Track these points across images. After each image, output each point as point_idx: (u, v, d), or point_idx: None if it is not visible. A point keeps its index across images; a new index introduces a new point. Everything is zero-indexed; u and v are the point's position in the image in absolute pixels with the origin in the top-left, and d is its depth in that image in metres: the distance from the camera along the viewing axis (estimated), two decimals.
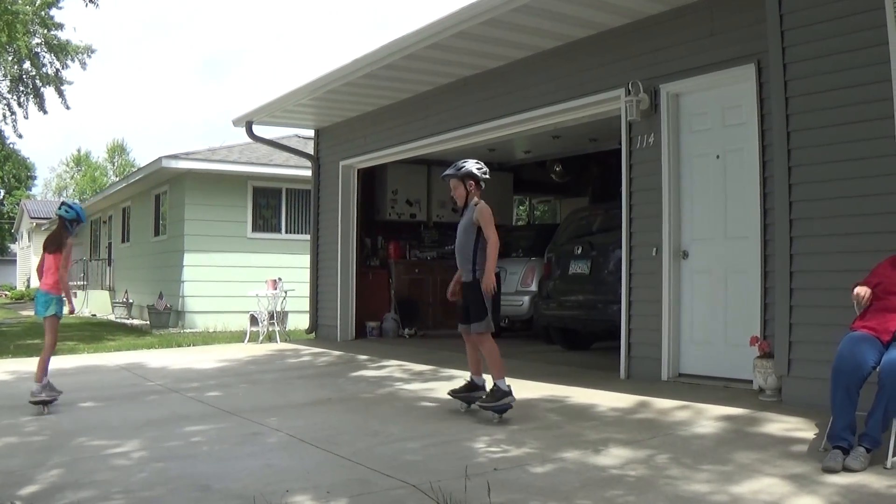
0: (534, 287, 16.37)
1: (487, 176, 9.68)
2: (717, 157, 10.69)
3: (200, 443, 8.55)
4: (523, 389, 10.75)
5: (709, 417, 8.60)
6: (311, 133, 21.27)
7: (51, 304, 10.91)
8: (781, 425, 8.07)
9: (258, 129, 19.61)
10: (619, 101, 11.68)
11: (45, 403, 10.53)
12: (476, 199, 9.59)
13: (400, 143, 17.08)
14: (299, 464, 7.56)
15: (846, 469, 6.27)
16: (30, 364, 14.99)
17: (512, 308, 17.17)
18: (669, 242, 11.03)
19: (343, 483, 6.66)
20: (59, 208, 11.20)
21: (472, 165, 9.59)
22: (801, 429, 7.87)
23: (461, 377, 12.05)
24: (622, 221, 11.71)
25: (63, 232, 11.00)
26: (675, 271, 11.04)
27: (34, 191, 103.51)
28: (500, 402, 8.91)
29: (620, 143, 11.95)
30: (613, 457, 7.18)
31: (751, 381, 9.75)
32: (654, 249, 11.14)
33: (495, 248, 9.19)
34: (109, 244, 36.86)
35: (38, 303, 11.03)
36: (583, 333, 15.45)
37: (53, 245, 10.95)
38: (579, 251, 14.51)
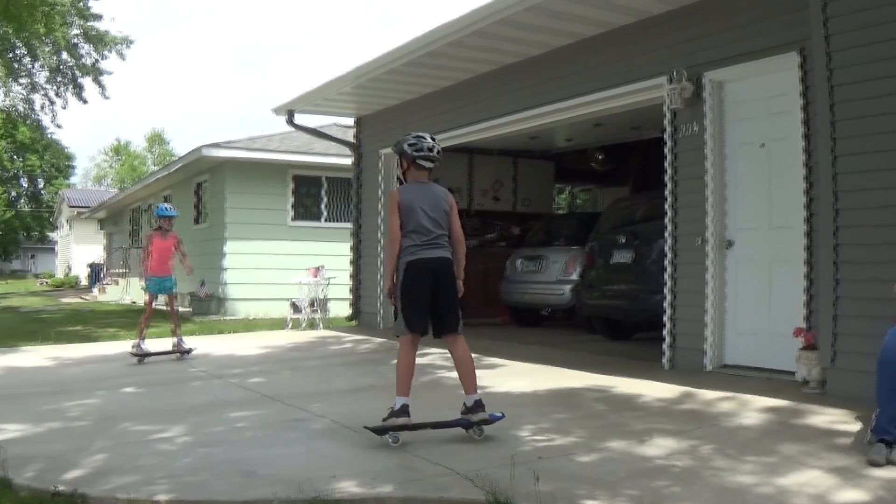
0: (575, 276, 16.28)
1: (421, 153, 8.13)
2: (762, 145, 10.62)
3: (244, 428, 8.61)
4: (567, 379, 10.79)
5: (753, 409, 8.57)
6: (350, 122, 21.35)
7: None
8: (825, 417, 8.03)
9: (299, 118, 19.67)
10: (661, 88, 11.63)
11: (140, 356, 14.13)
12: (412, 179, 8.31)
13: (440, 132, 16.98)
14: (344, 450, 7.59)
15: (891, 463, 6.22)
16: (69, 350, 15.17)
17: (554, 297, 17.09)
18: (713, 232, 10.96)
19: (389, 469, 6.70)
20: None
21: (408, 140, 8.23)
22: (845, 421, 7.83)
23: (504, 365, 12.12)
24: (666, 210, 11.65)
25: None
26: (718, 261, 10.98)
27: (73, 180, 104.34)
28: (383, 423, 7.70)
29: (663, 132, 11.89)
30: (659, 447, 7.18)
31: (794, 373, 9.67)
32: (698, 239, 11.08)
33: (393, 243, 8.04)
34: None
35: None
36: (625, 323, 15.40)
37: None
38: (622, 240, 14.44)
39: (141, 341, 14.43)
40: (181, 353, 14.59)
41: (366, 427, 7.70)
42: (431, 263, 7.92)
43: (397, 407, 7.65)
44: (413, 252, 7.93)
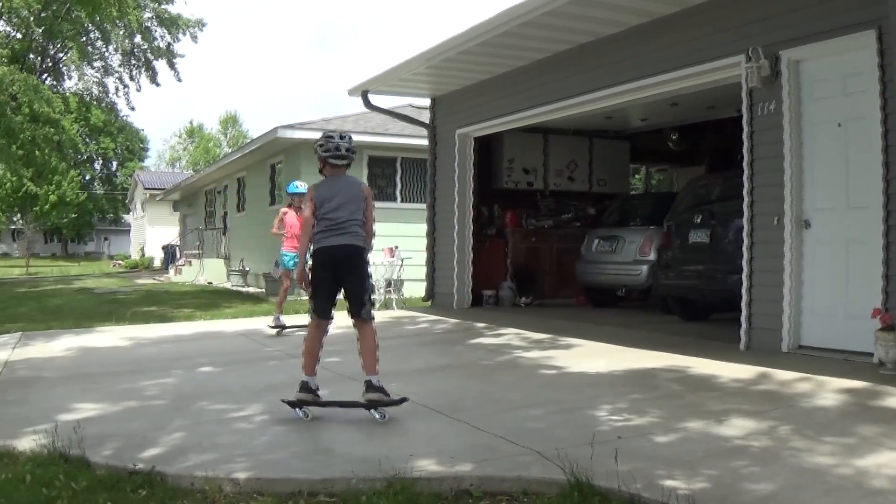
0: (652, 256, 16.20)
1: (328, 153, 8.51)
2: (839, 125, 10.51)
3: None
4: (643, 359, 10.77)
5: (830, 390, 8.51)
6: (425, 102, 21.35)
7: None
8: None
9: (374, 99, 19.74)
10: (738, 67, 11.53)
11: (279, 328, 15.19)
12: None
13: (516, 111, 17.04)
14: (422, 429, 7.65)
15: None
16: (145, 330, 15.39)
17: (629, 277, 17.04)
18: (791, 211, 10.86)
19: (467, 448, 6.75)
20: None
21: (319, 141, 8.66)
22: None
23: (579, 346, 12.12)
24: (743, 190, 11.56)
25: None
26: (796, 241, 10.88)
27: (147, 162, 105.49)
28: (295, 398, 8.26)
29: (738, 111, 11.83)
30: (736, 427, 7.16)
31: (871, 354, 9.58)
32: (776, 219, 10.99)
33: (302, 232, 8.69)
34: (225, 213, 37.30)
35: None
36: (701, 304, 15.31)
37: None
38: (699, 220, 14.32)
39: (279, 315, 15.48)
40: (280, 328, 15.26)
41: (282, 400, 8.30)
42: (333, 251, 8.25)
43: (300, 384, 8.20)
44: (318, 240, 8.37)
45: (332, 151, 8.45)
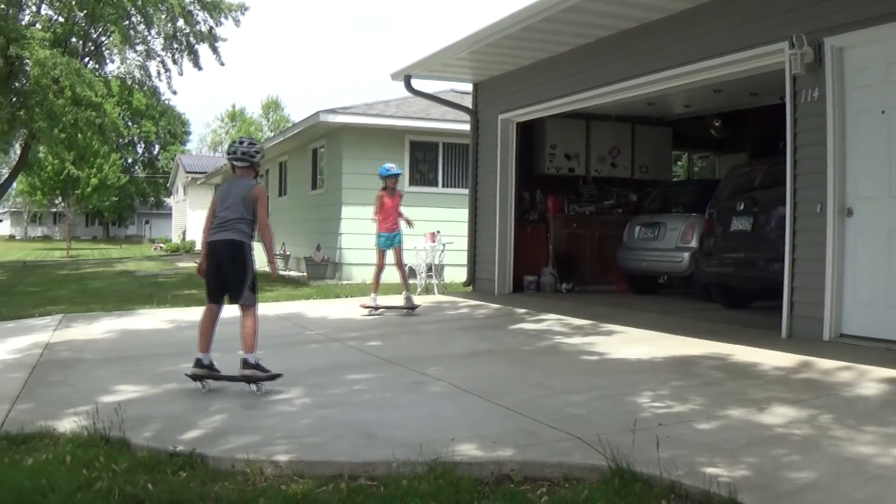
0: (693, 243, 16.13)
1: (229, 157, 9.60)
2: (882, 112, 10.45)
3: (363, 391, 8.74)
4: (684, 346, 10.76)
5: (871, 379, 8.47)
6: (467, 87, 21.37)
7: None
8: None
9: (416, 84, 19.73)
10: (781, 54, 11.47)
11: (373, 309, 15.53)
12: None
13: (558, 97, 17.00)
14: (463, 413, 7.69)
15: None
16: (186, 313, 15.48)
17: (671, 264, 16.98)
18: (834, 199, 10.80)
19: (508, 433, 6.76)
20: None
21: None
22: None
23: (621, 332, 12.11)
24: (786, 178, 11.50)
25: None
26: (839, 229, 10.82)
27: (189, 146, 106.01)
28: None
29: (781, 98, 11.77)
30: (777, 415, 7.15)
31: None
32: (819, 206, 10.93)
33: (203, 231, 9.48)
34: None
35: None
36: (743, 291, 15.25)
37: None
38: (741, 207, 14.25)
39: (374, 295, 15.75)
40: (410, 308, 15.59)
41: (186, 374, 9.08)
42: (213, 245, 9.17)
43: (195, 360, 9.05)
44: (209, 236, 9.27)
45: (231, 154, 9.46)
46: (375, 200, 16.00)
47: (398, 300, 15.87)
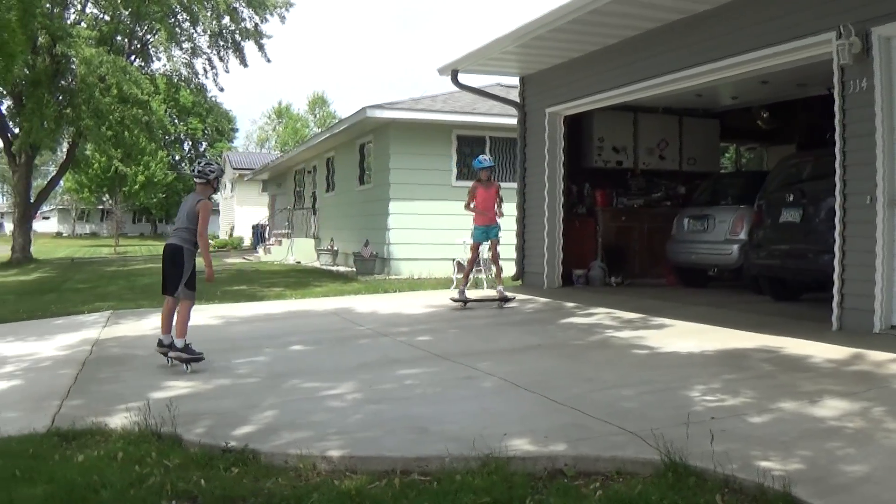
0: (743, 235, 16.02)
1: (194, 177, 11.11)
2: None
3: (414, 385, 8.77)
4: (734, 339, 10.71)
5: None
6: (513, 81, 21.35)
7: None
8: None
9: (463, 78, 19.72)
10: (829, 44, 11.38)
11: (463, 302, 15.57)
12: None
13: (605, 90, 16.94)
14: (515, 408, 7.69)
15: None
16: (236, 309, 15.56)
17: (721, 257, 16.87)
18: (883, 190, 10.71)
19: (560, 428, 6.76)
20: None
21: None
22: None
23: (671, 325, 12.08)
24: (835, 169, 11.41)
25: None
26: (888, 220, 10.72)
27: (236, 143, 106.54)
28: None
29: (829, 89, 11.70)
30: (830, 408, 7.11)
31: None
32: (868, 198, 10.84)
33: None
34: (314, 193, 37.45)
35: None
36: (792, 283, 15.14)
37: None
38: (790, 199, 14.13)
39: (464, 287, 15.89)
40: (503, 300, 15.65)
41: (157, 350, 10.62)
42: (164, 248, 10.83)
43: (157, 341, 10.72)
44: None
45: (192, 172, 11.23)
46: (468, 192, 15.97)
47: (487, 293, 16.40)
